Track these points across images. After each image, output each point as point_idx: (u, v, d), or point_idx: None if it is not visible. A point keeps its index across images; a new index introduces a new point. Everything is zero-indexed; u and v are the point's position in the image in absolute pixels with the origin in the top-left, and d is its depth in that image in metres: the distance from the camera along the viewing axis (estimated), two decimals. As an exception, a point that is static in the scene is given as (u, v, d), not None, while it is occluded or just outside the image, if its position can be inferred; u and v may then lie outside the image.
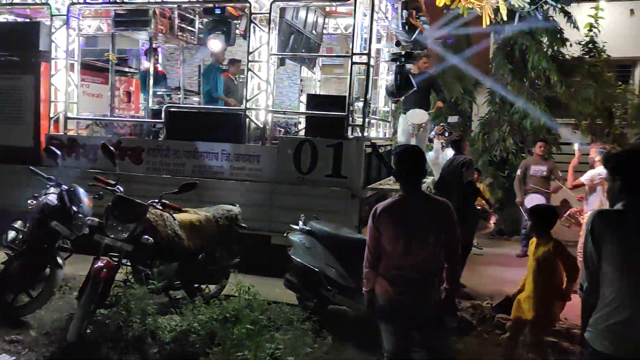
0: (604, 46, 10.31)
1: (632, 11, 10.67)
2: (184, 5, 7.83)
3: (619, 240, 2.33)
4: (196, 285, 5.29)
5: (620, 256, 2.32)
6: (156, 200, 4.71)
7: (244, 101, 6.95)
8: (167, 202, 4.76)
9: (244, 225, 5.64)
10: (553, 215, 4.27)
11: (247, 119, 6.92)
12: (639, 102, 10.33)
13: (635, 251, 2.30)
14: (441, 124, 9.00)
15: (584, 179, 6.69)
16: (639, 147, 2.46)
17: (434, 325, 3.18)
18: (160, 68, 9.68)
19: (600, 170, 6.40)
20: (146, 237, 4.53)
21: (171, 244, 4.83)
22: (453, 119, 8.98)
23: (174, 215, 4.96)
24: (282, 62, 9.04)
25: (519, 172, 8.41)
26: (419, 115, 7.72)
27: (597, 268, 2.37)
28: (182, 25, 8.74)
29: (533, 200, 7.87)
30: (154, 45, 8.33)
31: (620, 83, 10.81)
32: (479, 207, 6.46)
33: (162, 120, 7.22)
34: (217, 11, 7.01)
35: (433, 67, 9.42)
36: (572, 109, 9.90)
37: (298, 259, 5.18)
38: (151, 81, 7.62)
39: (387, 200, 3.30)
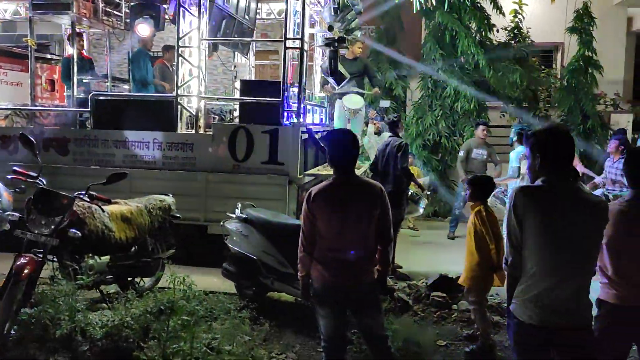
0: (528, 32, 10.75)
1: (552, -2, 11.15)
2: (107, -12, 7.49)
3: (538, 215, 2.43)
4: (130, 279, 5.12)
5: (540, 230, 2.42)
6: (83, 192, 4.50)
7: (175, 88, 6.74)
8: (94, 193, 4.55)
9: (178, 215, 5.50)
10: (489, 184, 4.53)
11: (179, 106, 6.73)
12: (561, 85, 10.84)
13: (554, 224, 2.41)
14: (374, 109, 9.13)
15: (515, 164, 6.91)
16: (557, 125, 2.56)
17: (369, 306, 3.22)
18: (85, 54, 9.22)
19: (520, 149, 6.67)
20: (73, 230, 4.31)
21: (101, 237, 4.64)
22: (385, 103, 9.11)
23: (103, 207, 4.76)
24: (215, 47, 8.87)
25: (462, 153, 8.56)
26: (355, 100, 7.76)
27: (520, 242, 2.47)
28: (108, 9, 8.35)
29: None
30: (78, 30, 7.91)
31: (543, 67, 11.33)
32: (410, 191, 6.59)
33: (89, 109, 6.90)
34: (144, -6, 6.75)
35: (367, 53, 9.50)
36: (500, 93, 10.26)
37: (235, 248, 5.12)
38: (75, 68, 7.24)
39: (321, 183, 3.30)
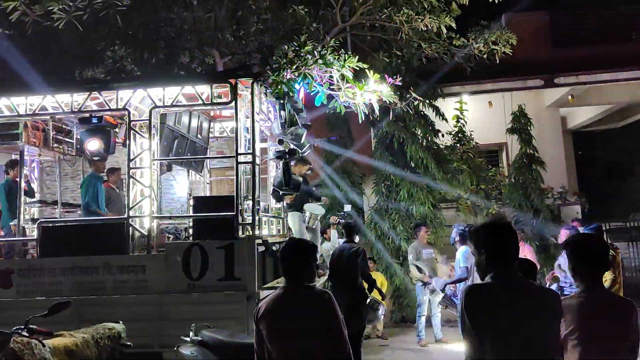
0: (471, 134, 11.33)
1: (490, 103, 11.92)
2: (58, 117, 7.55)
3: (491, 313, 2.36)
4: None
5: (495, 328, 2.34)
6: (21, 327, 4.19)
7: (126, 209, 6.64)
8: (35, 327, 4.25)
9: (129, 343, 5.15)
10: (534, 267, 4.45)
11: (131, 228, 6.58)
12: (509, 183, 11.26)
13: (508, 321, 2.34)
14: (336, 214, 9.20)
15: (463, 264, 6.90)
16: (498, 220, 2.58)
17: None
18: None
19: (464, 249, 6.72)
20: (9, 370, 3.96)
21: (41, 375, 4.25)
22: (347, 207, 9.25)
23: (45, 341, 4.42)
24: (169, 167, 8.90)
25: (411, 256, 8.60)
26: (317, 208, 7.88)
27: (478, 343, 2.37)
28: (58, 137, 8.39)
29: (439, 281, 8.07)
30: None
31: (490, 166, 11.83)
32: (369, 298, 6.46)
33: (35, 238, 6.67)
34: (94, 120, 6.84)
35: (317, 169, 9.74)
36: (452, 194, 10.55)
37: (190, 374, 4.77)
38: (22, 197, 7.08)
39: (269, 296, 3.16)
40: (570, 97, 11.87)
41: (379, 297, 6.77)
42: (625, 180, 15.36)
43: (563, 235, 7.45)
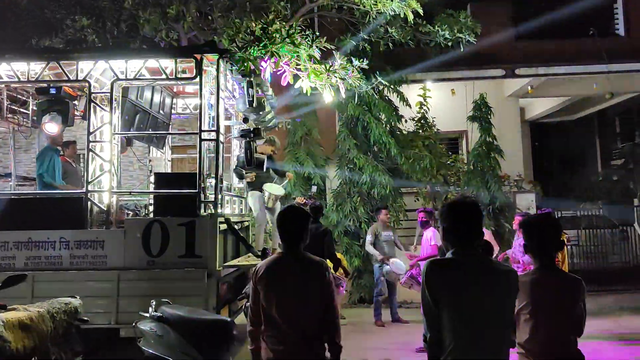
0: (433, 121, 11.51)
1: (452, 91, 12.14)
2: (13, 86, 7.26)
3: (450, 289, 2.44)
4: (29, 395, 4.56)
5: (453, 304, 2.42)
6: (-27, 299, 4.07)
7: (85, 183, 6.48)
8: (-13, 300, 4.13)
9: (85, 318, 5.05)
10: (491, 248, 4.57)
11: (89, 202, 6.44)
12: (468, 169, 11.53)
13: (466, 297, 2.42)
14: (301, 195, 9.24)
15: (433, 242, 7.13)
16: (461, 198, 2.65)
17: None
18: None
19: (431, 229, 6.95)
20: (-41, 344, 3.85)
21: (-7, 350, 4.15)
22: (314, 188, 9.31)
23: (-3, 315, 4.31)
24: (129, 142, 8.71)
25: (370, 237, 8.74)
26: (277, 188, 7.86)
27: (437, 317, 2.45)
28: (13, 107, 8.07)
29: (397, 264, 8.26)
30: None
31: (451, 153, 12.08)
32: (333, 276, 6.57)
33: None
34: (52, 91, 6.60)
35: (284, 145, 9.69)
36: (413, 179, 10.74)
37: (149, 350, 4.74)
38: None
39: (269, 257, 3.33)
40: (529, 88, 12.21)
41: (341, 275, 6.88)
42: (578, 171, 15.96)
43: (517, 221, 7.72)
